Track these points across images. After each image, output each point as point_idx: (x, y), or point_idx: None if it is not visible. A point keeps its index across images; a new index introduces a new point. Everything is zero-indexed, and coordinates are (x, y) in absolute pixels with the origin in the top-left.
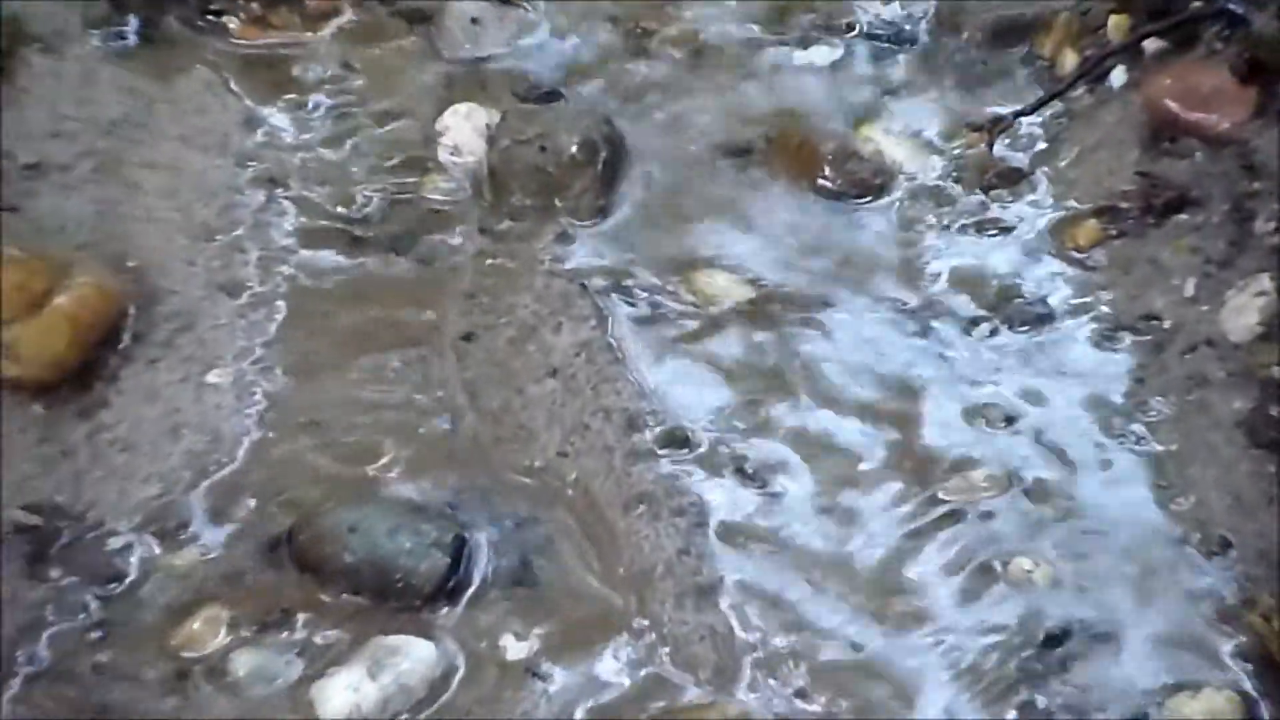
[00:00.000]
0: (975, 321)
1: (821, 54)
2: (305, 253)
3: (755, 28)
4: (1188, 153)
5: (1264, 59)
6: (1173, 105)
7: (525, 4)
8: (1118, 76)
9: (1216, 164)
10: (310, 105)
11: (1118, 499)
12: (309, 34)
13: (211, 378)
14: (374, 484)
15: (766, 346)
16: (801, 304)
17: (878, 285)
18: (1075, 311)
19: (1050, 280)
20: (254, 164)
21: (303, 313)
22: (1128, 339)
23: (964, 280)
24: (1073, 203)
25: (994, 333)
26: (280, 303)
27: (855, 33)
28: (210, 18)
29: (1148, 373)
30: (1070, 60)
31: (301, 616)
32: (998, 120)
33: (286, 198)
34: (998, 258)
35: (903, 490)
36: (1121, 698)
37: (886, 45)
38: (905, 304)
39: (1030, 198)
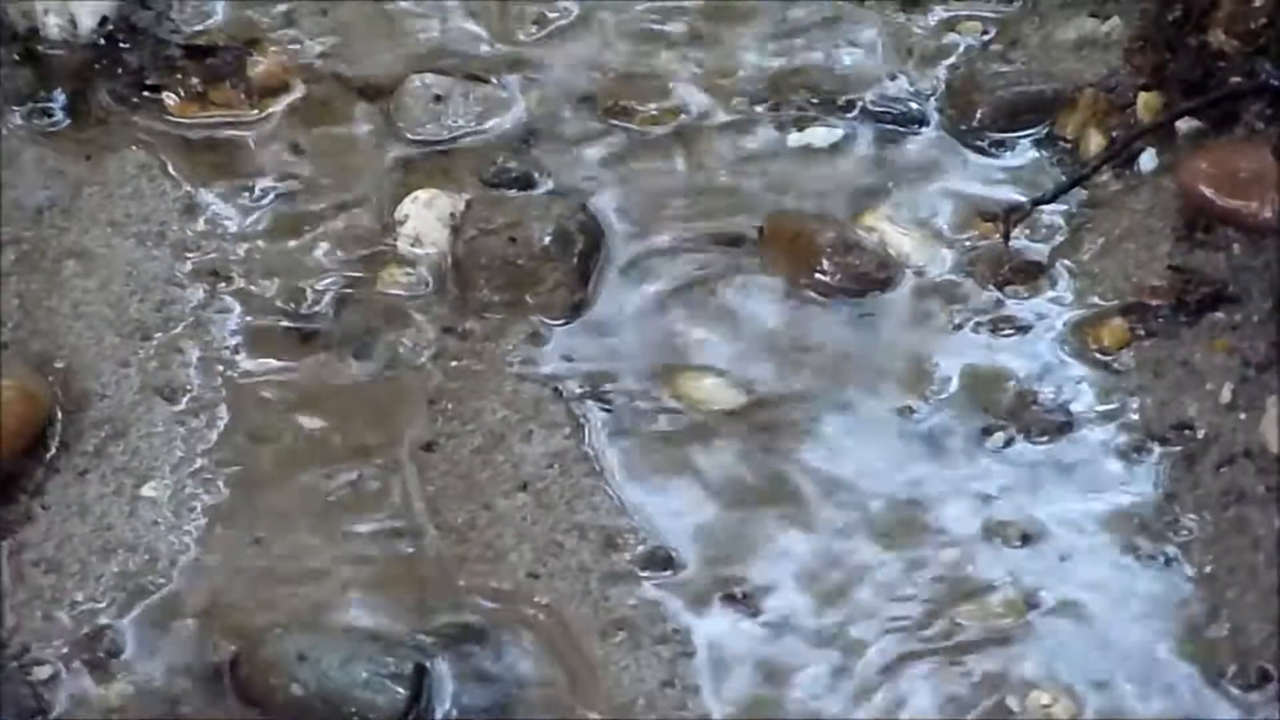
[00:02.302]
0: (989, 430)
1: (820, 135)
2: (250, 353)
3: (746, 107)
4: (1225, 244)
5: None
6: (1209, 191)
7: (493, 79)
8: (1148, 160)
9: (1257, 256)
10: (256, 190)
11: (1146, 627)
12: (254, 112)
13: (147, 490)
14: (326, 608)
15: (759, 458)
16: (797, 411)
17: (881, 390)
18: (1099, 420)
19: (1072, 385)
20: (194, 255)
21: (247, 419)
22: (1157, 450)
23: (977, 385)
24: (1097, 299)
25: (1010, 443)
26: (222, 408)
27: (857, 112)
28: (146, 93)
29: (1180, 488)
30: (1095, 142)
31: None
32: (1014, 208)
33: (230, 292)
34: (1014, 360)
35: (912, 617)
36: None
37: (891, 126)
38: (912, 411)
39: (1050, 294)
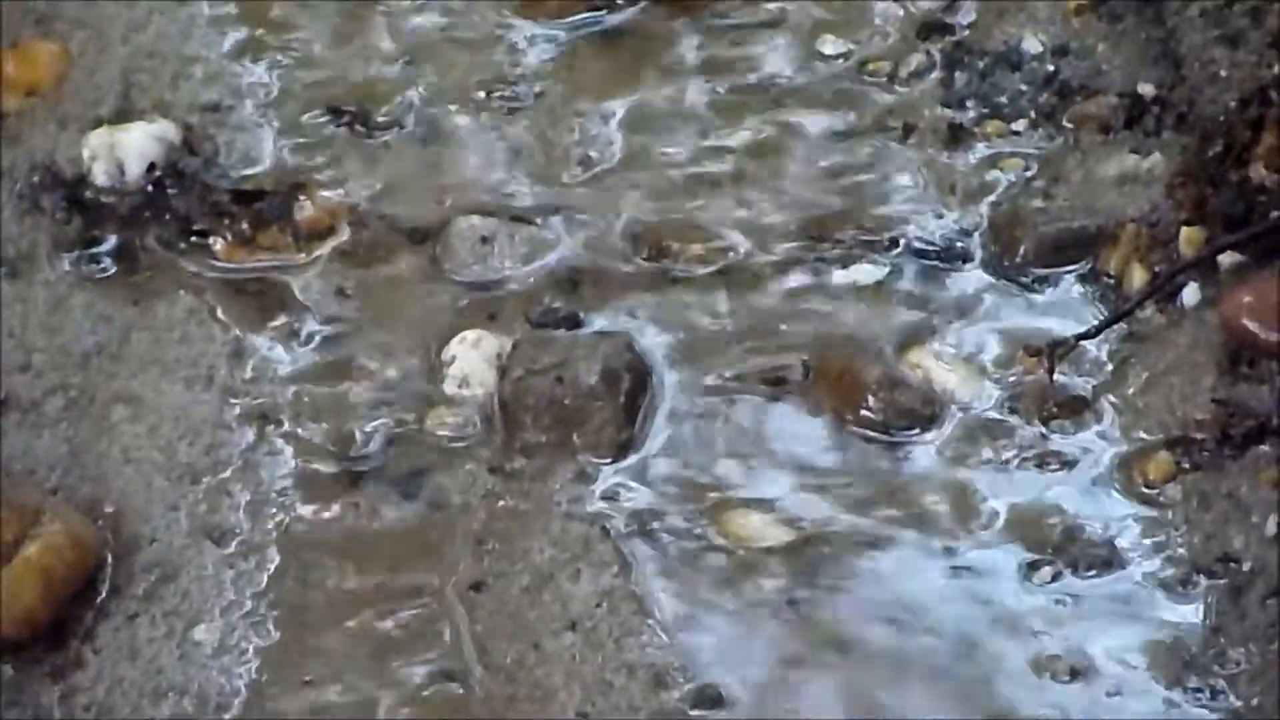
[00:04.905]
0: (1035, 565)
1: (864, 272)
2: (299, 495)
3: (790, 245)
4: (1269, 377)
5: None
6: (1252, 325)
7: (539, 221)
8: (1191, 294)
9: None
10: (304, 334)
11: None
12: (301, 255)
13: (197, 634)
14: None
15: (807, 595)
16: (845, 548)
17: (929, 526)
18: (1145, 553)
19: (1118, 519)
20: (242, 398)
21: (297, 561)
22: (1203, 583)
23: (1023, 520)
24: (1142, 434)
25: (1057, 577)
26: (272, 550)
27: (901, 249)
28: (193, 238)
29: (1226, 620)
30: (1138, 276)
31: None
32: (1058, 344)
33: (279, 435)
34: (1060, 495)
35: None
36: None
37: (935, 262)
38: (959, 547)
39: (1095, 429)
